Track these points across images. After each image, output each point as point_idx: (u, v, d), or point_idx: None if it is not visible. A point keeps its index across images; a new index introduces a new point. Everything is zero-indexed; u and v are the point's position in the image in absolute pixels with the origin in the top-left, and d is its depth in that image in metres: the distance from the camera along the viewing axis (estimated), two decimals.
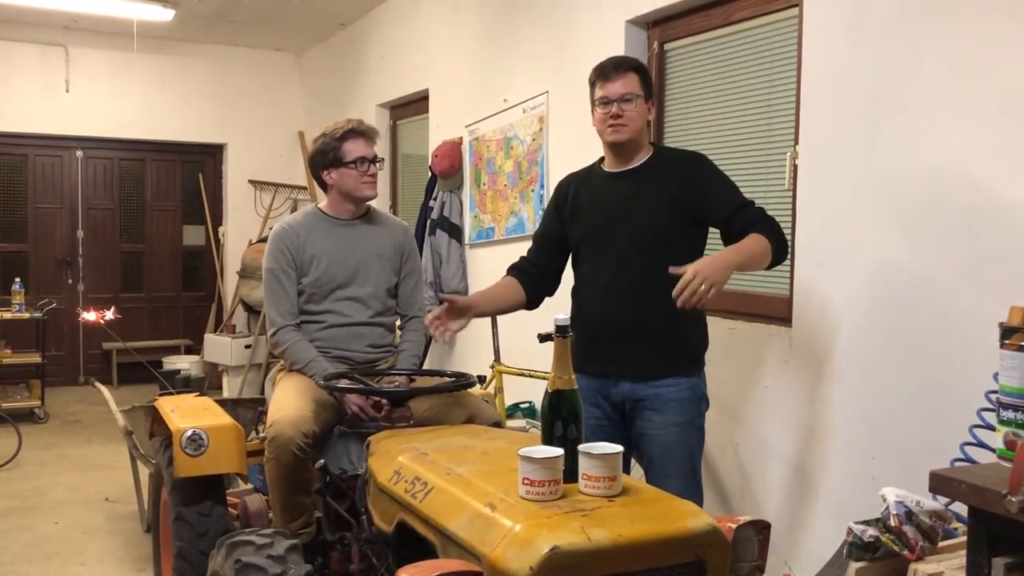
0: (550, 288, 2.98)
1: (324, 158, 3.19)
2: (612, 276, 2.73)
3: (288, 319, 3.13)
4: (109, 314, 5.58)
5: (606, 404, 2.75)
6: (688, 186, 2.72)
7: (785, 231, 3.35)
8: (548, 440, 1.94)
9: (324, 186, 3.27)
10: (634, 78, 2.75)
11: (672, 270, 2.39)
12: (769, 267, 2.65)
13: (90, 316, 5.55)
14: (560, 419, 1.93)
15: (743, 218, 2.66)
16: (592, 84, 2.81)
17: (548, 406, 1.95)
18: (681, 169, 2.77)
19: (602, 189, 2.82)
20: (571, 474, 1.87)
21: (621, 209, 2.75)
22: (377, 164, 3.19)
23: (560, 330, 1.97)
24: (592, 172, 2.90)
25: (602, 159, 2.89)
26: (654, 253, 2.67)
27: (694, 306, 2.35)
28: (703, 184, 2.73)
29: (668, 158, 2.83)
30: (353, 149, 3.14)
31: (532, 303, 2.94)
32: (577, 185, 2.90)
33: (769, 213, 2.70)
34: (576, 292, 2.88)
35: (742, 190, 3.60)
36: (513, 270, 2.97)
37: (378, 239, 3.27)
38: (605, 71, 2.77)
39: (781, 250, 2.64)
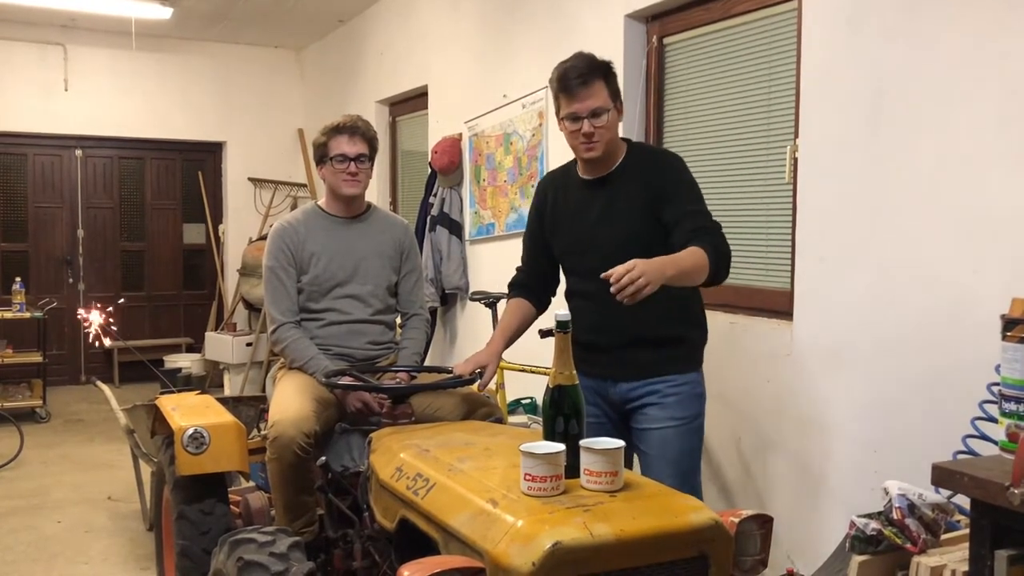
0: (552, 288, 2.96)
1: (316, 154, 3.23)
2: (597, 287, 2.55)
3: (288, 316, 3.13)
4: (98, 316, 5.54)
5: (604, 404, 2.74)
6: (655, 190, 2.61)
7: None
8: (550, 436, 1.94)
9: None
10: (600, 87, 2.58)
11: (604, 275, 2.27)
12: (705, 285, 2.51)
13: (93, 318, 5.51)
14: (561, 415, 1.93)
15: (687, 226, 2.52)
16: (556, 96, 2.64)
17: (549, 402, 1.95)
18: (651, 172, 2.65)
19: (579, 198, 2.74)
20: (573, 470, 1.87)
21: (598, 220, 2.68)
22: (358, 163, 3.15)
23: (561, 326, 1.96)
24: (569, 177, 2.80)
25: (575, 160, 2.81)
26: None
27: (629, 298, 2.23)
28: (665, 187, 2.61)
29: (640, 161, 2.70)
30: (336, 146, 3.15)
31: (541, 311, 2.94)
32: (555, 191, 2.82)
33: (720, 231, 2.56)
34: (568, 299, 2.85)
35: (742, 185, 3.61)
36: (514, 288, 2.94)
37: (378, 237, 3.27)
38: (568, 86, 2.58)
39: (721, 268, 2.48)
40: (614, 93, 2.62)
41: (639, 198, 2.62)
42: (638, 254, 2.46)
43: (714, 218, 2.60)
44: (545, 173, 4.77)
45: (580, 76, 2.56)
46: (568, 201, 2.77)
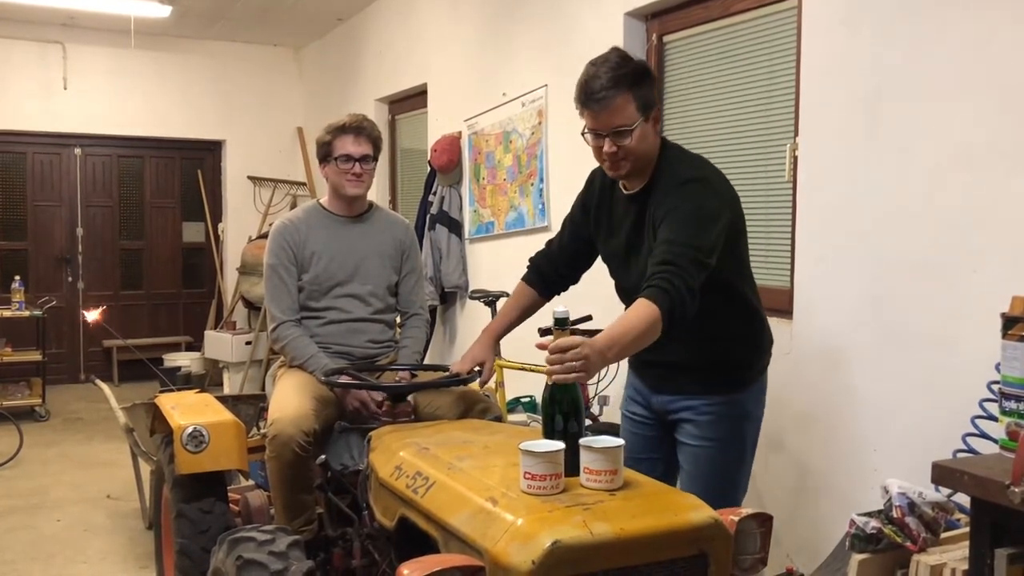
0: (568, 281, 2.79)
1: (319, 152, 3.21)
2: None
3: (288, 315, 3.12)
4: (96, 314, 5.57)
5: (650, 408, 2.62)
6: (657, 222, 2.33)
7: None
8: (549, 434, 1.93)
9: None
10: (625, 102, 2.28)
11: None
12: (660, 336, 2.17)
13: (91, 315, 5.54)
14: (560, 413, 1.92)
15: (654, 259, 2.24)
16: (576, 105, 2.37)
17: (548, 399, 1.94)
18: (666, 192, 2.35)
19: (618, 211, 2.52)
20: (572, 467, 1.87)
21: (627, 240, 2.48)
22: (363, 163, 3.14)
23: (559, 323, 1.95)
24: (613, 181, 2.53)
25: None
26: None
27: (557, 376, 1.95)
28: (665, 210, 2.31)
29: (665, 176, 2.39)
30: (341, 146, 3.13)
31: (545, 300, 2.79)
32: (602, 189, 2.58)
33: (688, 267, 2.19)
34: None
35: (742, 184, 3.58)
36: (530, 267, 2.77)
37: (379, 237, 3.27)
38: (589, 99, 2.30)
39: (676, 321, 2.16)
40: (645, 104, 2.32)
41: (654, 223, 2.35)
42: None
43: (694, 248, 2.22)
44: (545, 171, 4.78)
45: (602, 90, 2.27)
46: (611, 207, 2.55)
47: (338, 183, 3.17)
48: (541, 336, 3.74)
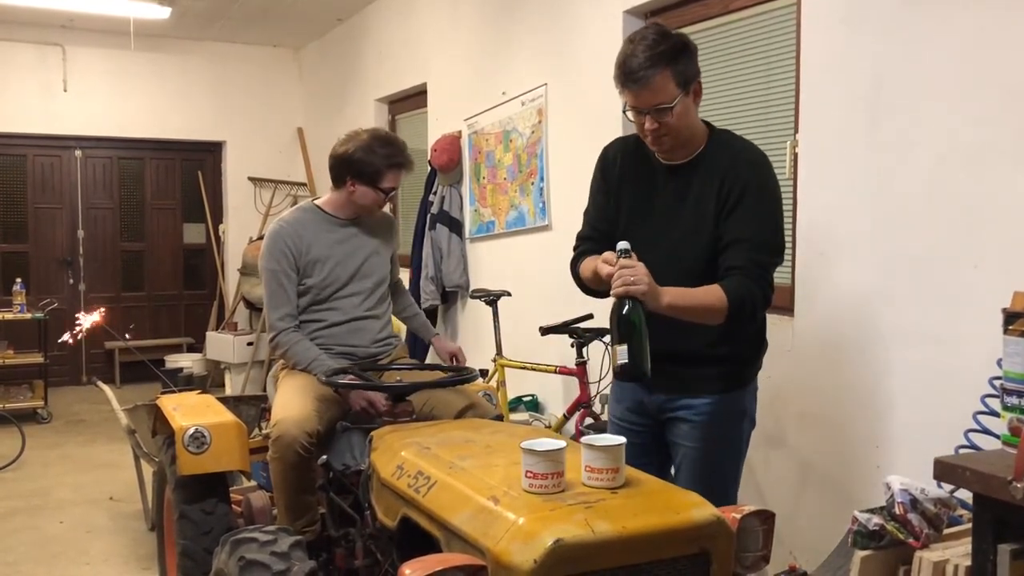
0: None
1: (357, 168, 3.11)
2: None
3: (288, 322, 3.12)
4: (95, 317, 5.57)
5: (642, 410, 2.57)
6: (725, 196, 2.33)
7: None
8: (616, 340, 2.10)
9: (338, 181, 3.19)
10: (665, 79, 2.26)
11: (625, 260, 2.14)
12: (718, 324, 2.27)
13: (88, 321, 5.54)
14: (623, 322, 2.09)
15: (728, 259, 2.29)
16: (615, 83, 2.35)
17: (613, 312, 2.11)
18: (729, 172, 2.34)
19: (652, 181, 2.46)
20: (640, 361, 2.11)
21: (664, 213, 2.43)
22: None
23: (622, 252, 2.14)
24: (642, 152, 2.48)
25: None
26: (690, 276, 2.33)
27: (615, 288, 2.13)
28: (734, 197, 2.32)
29: (723, 154, 2.38)
30: (392, 180, 3.15)
31: None
32: (622, 163, 2.52)
33: (761, 275, 2.29)
34: None
35: None
36: (583, 255, 2.55)
37: (374, 235, 3.29)
38: (627, 78, 2.28)
39: (738, 318, 2.25)
40: (684, 79, 2.30)
41: (712, 200, 2.34)
42: (691, 271, 2.32)
43: (770, 250, 2.33)
44: (545, 170, 4.78)
45: (640, 69, 2.25)
46: (637, 180, 2.49)
47: (369, 206, 3.19)
48: (543, 335, 3.76)
